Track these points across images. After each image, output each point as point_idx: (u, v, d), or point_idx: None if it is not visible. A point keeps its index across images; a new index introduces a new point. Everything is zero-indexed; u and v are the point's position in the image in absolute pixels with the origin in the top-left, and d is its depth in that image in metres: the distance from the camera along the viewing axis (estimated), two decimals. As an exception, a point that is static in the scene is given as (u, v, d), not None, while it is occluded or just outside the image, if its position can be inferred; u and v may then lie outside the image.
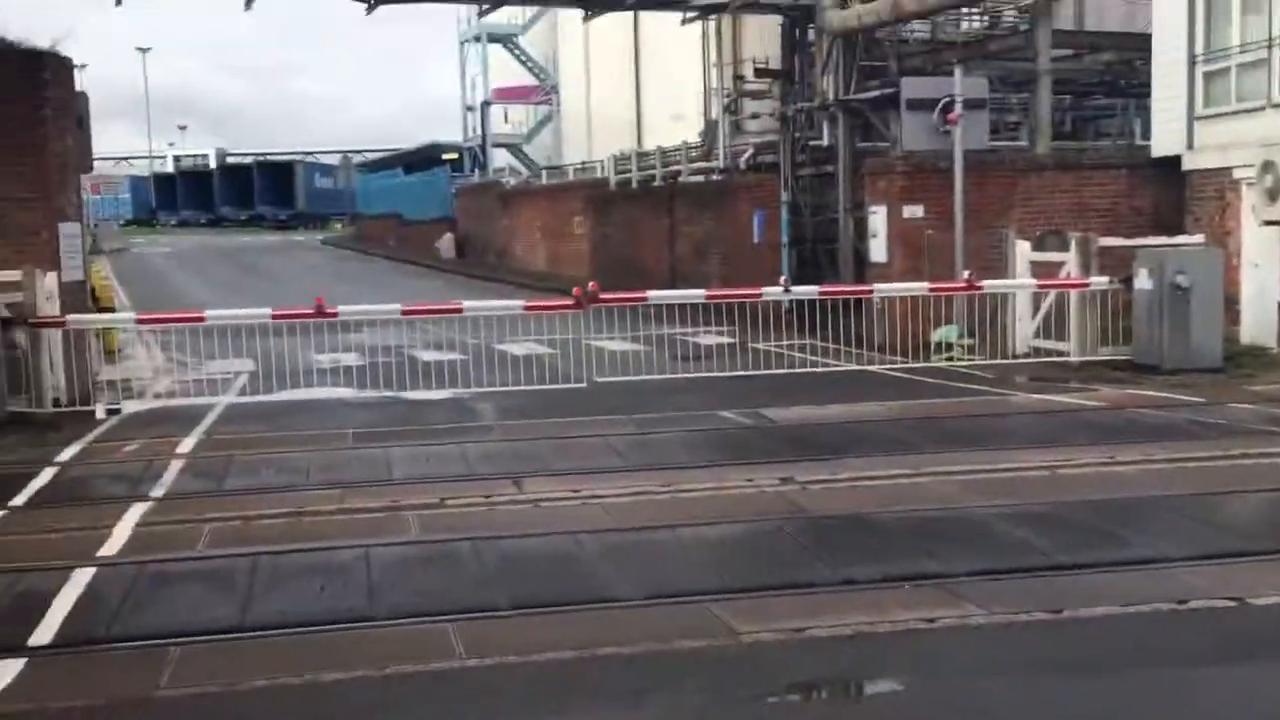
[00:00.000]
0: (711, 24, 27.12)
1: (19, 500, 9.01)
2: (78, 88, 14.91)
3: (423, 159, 57.45)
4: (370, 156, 76.37)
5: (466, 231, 45.20)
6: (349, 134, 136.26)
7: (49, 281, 12.80)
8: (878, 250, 17.89)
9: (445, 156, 53.87)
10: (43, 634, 6.08)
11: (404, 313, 15.59)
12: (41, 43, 13.74)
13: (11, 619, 6.35)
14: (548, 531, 7.89)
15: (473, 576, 6.98)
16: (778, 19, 23.24)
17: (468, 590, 6.74)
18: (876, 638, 5.87)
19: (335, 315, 14.04)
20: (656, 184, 31.14)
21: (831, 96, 20.51)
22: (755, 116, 27.06)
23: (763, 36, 25.57)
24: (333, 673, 5.51)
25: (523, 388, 13.82)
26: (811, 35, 22.02)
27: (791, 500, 8.57)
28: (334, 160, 74.24)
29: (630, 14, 32.49)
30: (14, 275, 12.45)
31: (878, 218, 17.84)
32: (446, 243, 45.14)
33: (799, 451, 10.29)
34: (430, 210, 48.64)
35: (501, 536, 7.77)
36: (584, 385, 13.87)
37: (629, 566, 7.11)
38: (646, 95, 42.89)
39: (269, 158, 79.51)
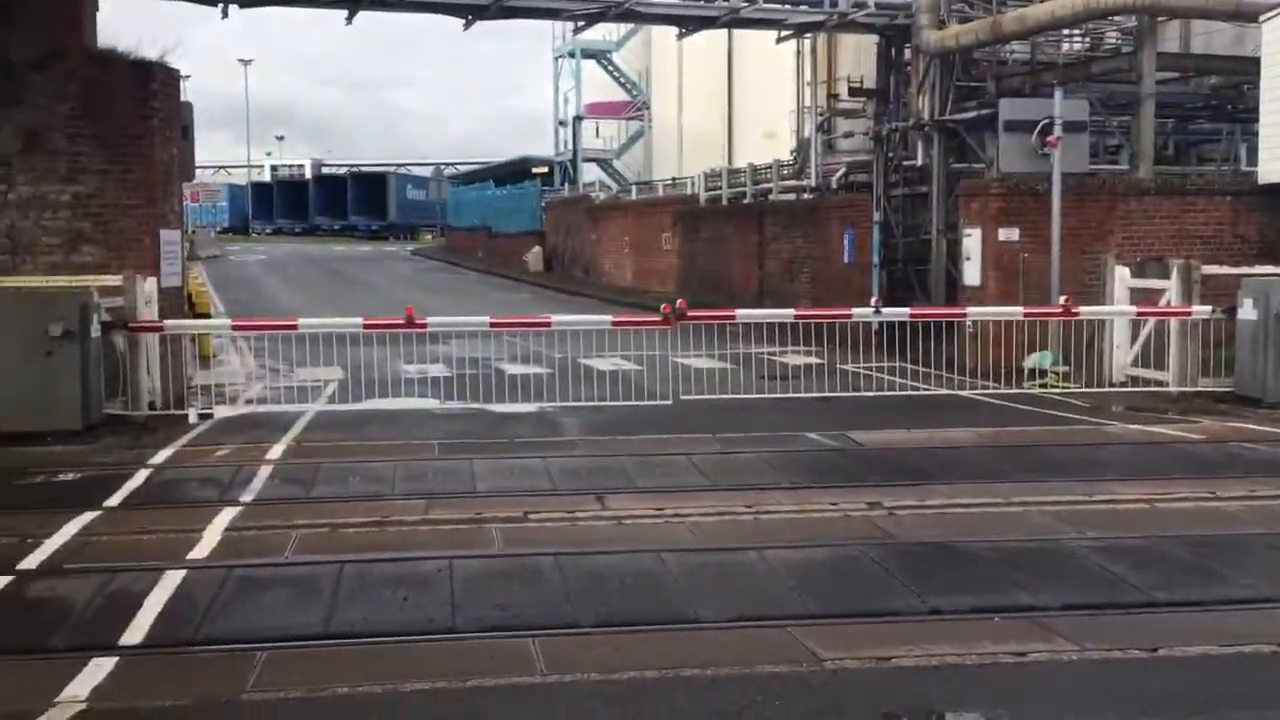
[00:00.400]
0: (806, 42, 27.01)
1: (114, 501, 9.21)
2: (183, 98, 15.32)
3: (513, 172, 58.05)
4: (462, 169, 77.41)
5: (555, 245, 45.51)
6: (442, 146, 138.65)
7: (149, 287, 13.10)
8: (971, 273, 17.61)
9: (535, 170, 54.34)
10: (133, 634, 6.19)
11: (492, 325, 15.72)
12: (150, 54, 14.15)
13: (104, 618, 6.48)
14: (631, 549, 7.84)
15: (555, 592, 6.96)
16: (874, 38, 23.07)
17: (550, 606, 6.72)
18: (964, 670, 5.73)
19: (424, 326, 14.18)
20: (746, 201, 31.06)
21: (927, 116, 20.28)
22: (848, 135, 26.88)
23: (858, 55, 25.41)
24: (414, 683, 5.52)
25: (608, 403, 13.81)
26: (908, 54, 21.82)
27: (878, 526, 8.43)
28: (426, 172, 75.26)
29: (724, 31, 32.46)
30: (115, 280, 12.78)
31: (972, 240, 17.58)
32: (534, 256, 45.49)
33: (886, 476, 10.13)
34: (519, 223, 49.08)
35: (584, 553, 7.74)
36: (669, 402, 13.82)
37: (712, 587, 7.04)
38: (738, 112, 42.86)
39: (363, 169, 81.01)
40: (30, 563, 7.45)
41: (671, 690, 5.47)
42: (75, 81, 13.36)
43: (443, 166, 72.91)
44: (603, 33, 46.62)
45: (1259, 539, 8.05)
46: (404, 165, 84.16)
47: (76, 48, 13.78)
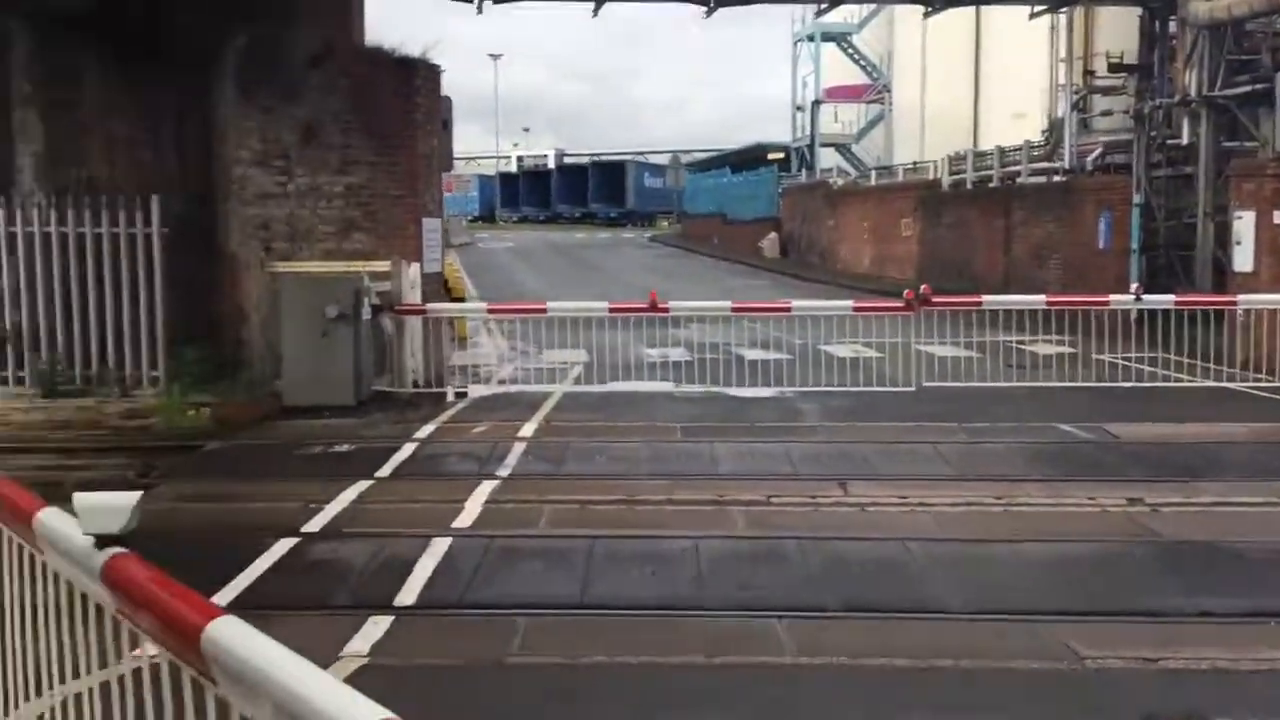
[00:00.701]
0: (1061, 17, 25.90)
1: (384, 471, 9.81)
2: (442, 93, 16.04)
3: (748, 159, 58.03)
4: (698, 156, 77.93)
5: (790, 231, 45.27)
6: (680, 134, 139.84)
7: (413, 272, 13.83)
8: (1242, 258, 16.51)
9: (771, 156, 54.14)
10: (406, 596, 6.61)
11: (734, 310, 15.83)
12: (413, 51, 14.87)
13: (381, 579, 6.93)
14: (875, 536, 7.80)
15: (799, 575, 7.00)
16: (1136, 10, 21.90)
17: (795, 588, 6.77)
18: (1237, 675, 5.45)
19: (666, 311, 14.41)
20: (992, 185, 30.07)
21: (1194, 92, 19.12)
22: (1106, 114, 25.61)
23: (1116, 29, 24.14)
24: (667, 656, 5.68)
25: (847, 389, 13.70)
26: (1173, 27, 20.61)
27: (1140, 523, 8.07)
28: (663, 160, 76.23)
29: (972, 9, 31.50)
30: (383, 266, 13.56)
31: (1243, 223, 16.46)
32: (770, 242, 45.39)
33: (1148, 472, 9.67)
34: (754, 210, 49.07)
35: (828, 538, 7.75)
36: (911, 389, 13.59)
37: (961, 579, 6.92)
38: (984, 93, 41.49)
39: (603, 158, 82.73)
40: (313, 526, 8.04)
41: (924, 680, 5.42)
42: (346, 77, 14.16)
43: (679, 154, 73.58)
44: (843, 15, 46.06)
45: None
46: (642, 153, 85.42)
47: (346, 45, 14.63)
